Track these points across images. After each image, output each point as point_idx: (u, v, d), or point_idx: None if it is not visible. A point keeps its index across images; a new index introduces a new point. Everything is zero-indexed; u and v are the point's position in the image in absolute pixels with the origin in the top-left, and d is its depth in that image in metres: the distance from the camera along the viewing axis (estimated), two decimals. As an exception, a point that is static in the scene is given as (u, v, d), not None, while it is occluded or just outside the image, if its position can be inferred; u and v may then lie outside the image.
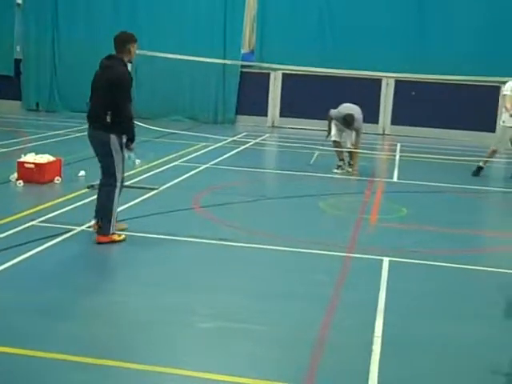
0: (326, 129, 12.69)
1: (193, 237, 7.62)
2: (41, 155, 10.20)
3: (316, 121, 18.43)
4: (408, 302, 5.97)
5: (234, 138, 16.71)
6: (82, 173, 10.47)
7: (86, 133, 7.38)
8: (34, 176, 9.86)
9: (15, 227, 7.53)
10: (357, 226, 8.58)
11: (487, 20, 18.69)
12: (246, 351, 4.84)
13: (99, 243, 7.11)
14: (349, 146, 12.47)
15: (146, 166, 11.34)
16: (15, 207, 8.45)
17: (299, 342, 4.99)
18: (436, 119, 19.33)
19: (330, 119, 12.46)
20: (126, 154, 7.44)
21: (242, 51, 20.44)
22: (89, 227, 7.60)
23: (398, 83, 19.53)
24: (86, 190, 9.47)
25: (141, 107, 18.83)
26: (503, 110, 12.61)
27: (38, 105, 21.17)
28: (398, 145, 17.12)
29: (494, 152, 12.81)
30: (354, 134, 12.34)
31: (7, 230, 7.39)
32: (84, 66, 19.62)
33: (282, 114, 20.36)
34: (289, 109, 20.06)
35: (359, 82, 18.89)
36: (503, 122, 12.45)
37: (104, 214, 7.15)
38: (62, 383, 4.26)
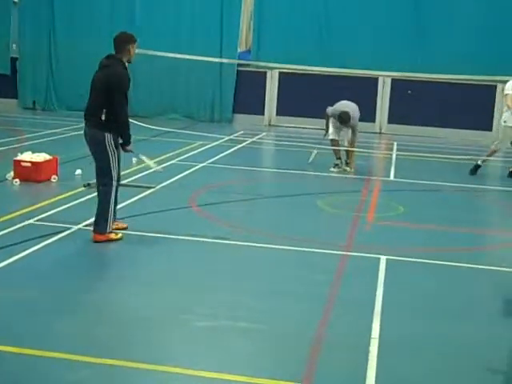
0: (324, 127, 12.70)
1: (190, 235, 7.61)
2: (37, 154, 10.18)
3: (313, 119, 18.45)
4: (405, 301, 5.96)
5: (231, 137, 16.70)
6: (78, 171, 10.45)
7: (82, 131, 7.37)
8: (31, 175, 9.84)
9: (11, 226, 7.51)
10: (354, 225, 8.57)
11: (484, 19, 18.71)
12: (243, 350, 4.83)
13: (96, 242, 7.10)
14: (346, 144, 12.48)
15: (143, 165, 11.31)
16: (11, 206, 8.43)
17: (297, 341, 4.99)
18: (433, 118, 19.35)
19: (327, 117, 12.47)
20: (139, 156, 7.41)
21: (239, 50, 20.43)
22: (86, 226, 7.58)
23: (395, 82, 19.54)
24: (83, 188, 9.46)
25: (137, 106, 18.84)
26: (504, 109, 12.54)
27: (34, 103, 21.14)
28: (395, 143, 17.14)
29: (494, 152, 12.82)
30: (350, 131, 12.35)
31: (3, 229, 7.37)
32: (81, 65, 19.68)
33: (278, 113, 20.35)
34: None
35: (356, 81, 18.89)
36: (504, 121, 12.41)
37: (101, 212, 7.14)
38: (60, 382, 4.25)
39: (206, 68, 19.62)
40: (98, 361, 4.48)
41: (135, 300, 5.67)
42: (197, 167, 11.95)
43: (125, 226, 7.64)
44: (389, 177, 12.27)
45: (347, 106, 12.30)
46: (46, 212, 8.22)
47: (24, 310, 5.29)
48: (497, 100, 19.00)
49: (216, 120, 20.21)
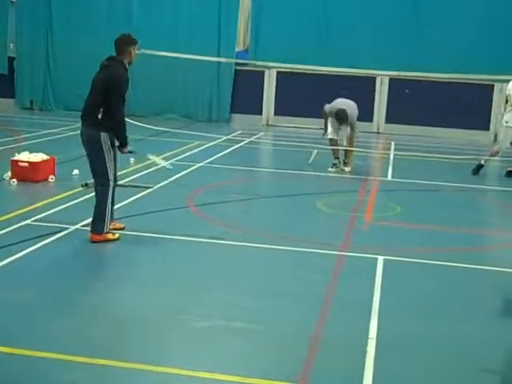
0: (323, 127, 12.69)
1: (187, 235, 7.61)
2: (35, 154, 10.17)
3: (311, 119, 18.45)
4: (403, 301, 5.97)
5: (229, 137, 16.69)
6: (75, 171, 10.45)
7: (79, 131, 7.36)
8: (28, 175, 9.84)
9: (8, 226, 7.50)
10: (351, 225, 8.57)
11: (482, 19, 18.72)
12: (240, 350, 4.83)
13: (93, 242, 7.10)
14: (345, 143, 12.45)
15: (141, 165, 11.31)
16: (9, 206, 8.42)
17: (293, 341, 4.99)
18: (430, 117, 19.35)
19: (325, 116, 12.46)
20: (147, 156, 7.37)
21: (237, 49, 20.43)
22: (83, 226, 7.58)
23: (393, 81, 19.54)
24: (80, 188, 9.44)
25: (135, 105, 18.81)
26: (507, 109, 12.49)
27: (32, 103, 21.13)
28: (393, 143, 17.14)
29: (497, 152, 12.82)
30: (348, 128, 12.34)
31: (0, 230, 7.36)
32: (78, 64, 19.69)
33: (276, 113, 20.35)
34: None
35: (353, 80, 18.89)
36: (506, 122, 12.41)
37: (98, 213, 7.14)
38: (56, 382, 4.25)
39: (204, 67, 19.63)
40: (94, 361, 4.47)
41: (131, 300, 5.67)
42: (194, 167, 11.94)
43: (122, 226, 7.64)
44: (386, 177, 12.27)
45: (344, 103, 12.30)
46: (44, 212, 8.22)
47: (20, 311, 5.28)
48: (494, 99, 19.02)
49: (214, 120, 20.21)
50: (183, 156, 13.13)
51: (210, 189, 10.31)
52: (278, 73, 20.07)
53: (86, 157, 7.26)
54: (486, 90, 19.00)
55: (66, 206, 8.64)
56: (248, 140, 16.49)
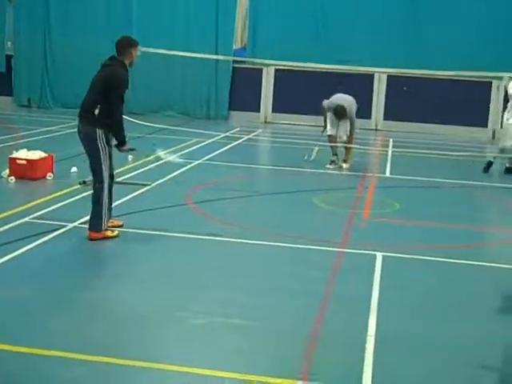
0: (322, 124, 12.68)
1: (185, 233, 7.60)
2: (33, 151, 10.15)
3: (309, 116, 18.44)
4: (401, 297, 5.96)
5: (227, 134, 16.67)
6: (74, 169, 10.43)
7: (77, 128, 7.35)
8: (26, 172, 9.82)
9: (6, 224, 7.49)
10: (349, 222, 8.57)
11: (480, 16, 18.72)
12: (239, 347, 4.83)
13: (91, 239, 7.09)
14: (344, 139, 12.42)
15: (139, 162, 11.30)
16: (6, 204, 8.41)
17: (292, 338, 4.99)
18: (428, 114, 19.34)
19: (324, 112, 12.45)
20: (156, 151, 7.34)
21: (234, 47, 20.40)
22: (81, 223, 7.57)
23: (391, 78, 19.53)
24: (78, 186, 9.43)
25: (133, 103, 18.77)
26: (508, 108, 12.45)
27: (29, 101, 21.09)
28: (391, 140, 17.14)
29: (503, 150, 12.79)
30: (347, 123, 12.32)
31: (-1, 227, 7.37)
32: (76, 62, 19.68)
33: (274, 110, 20.33)
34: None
35: (351, 78, 18.85)
36: (507, 119, 12.40)
37: (95, 210, 7.14)
38: (56, 380, 4.25)
39: (202, 65, 19.59)
40: (94, 358, 4.47)
41: (130, 297, 5.66)
42: (193, 164, 11.93)
43: (120, 223, 7.63)
44: (384, 173, 12.27)
45: (343, 98, 12.29)
46: (42, 210, 8.21)
47: (19, 309, 5.28)
48: (492, 96, 19.01)
49: (212, 117, 20.19)
50: (181, 153, 13.10)
51: (208, 186, 10.31)
52: (276, 70, 20.05)
53: (86, 154, 7.26)
54: (484, 87, 18.99)
55: (64, 203, 8.63)
56: (246, 137, 16.48)
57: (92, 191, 7.32)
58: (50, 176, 10.07)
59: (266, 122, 20.24)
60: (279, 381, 4.32)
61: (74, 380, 4.24)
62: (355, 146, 12.92)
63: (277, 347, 4.85)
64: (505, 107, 12.76)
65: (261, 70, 20.19)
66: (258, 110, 20.35)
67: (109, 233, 7.20)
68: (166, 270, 6.44)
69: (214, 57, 19.57)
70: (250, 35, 20.16)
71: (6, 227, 7.39)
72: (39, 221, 7.74)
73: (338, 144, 12.48)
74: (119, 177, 10.00)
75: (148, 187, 9.82)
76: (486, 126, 19.21)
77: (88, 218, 7.26)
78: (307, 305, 5.65)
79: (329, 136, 12.46)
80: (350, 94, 12.61)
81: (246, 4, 20.32)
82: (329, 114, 12.34)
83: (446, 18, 18.85)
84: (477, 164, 13.07)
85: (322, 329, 5.18)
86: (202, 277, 6.28)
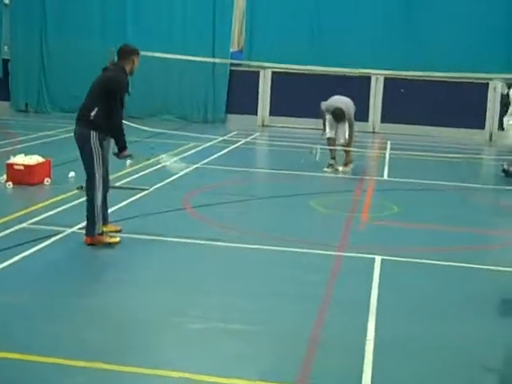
0: (322, 126, 12.68)
1: (183, 237, 7.59)
2: (30, 156, 10.14)
3: (306, 119, 18.45)
4: (400, 301, 5.96)
5: (225, 138, 16.68)
6: (71, 174, 10.41)
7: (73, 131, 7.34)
8: (24, 178, 9.80)
9: (5, 230, 7.47)
10: (348, 225, 8.57)
11: (476, 17, 18.74)
12: (238, 352, 4.82)
13: (88, 244, 7.07)
14: (342, 141, 12.42)
15: (137, 167, 11.29)
16: (4, 209, 8.39)
17: (291, 342, 4.98)
18: (426, 117, 19.36)
19: (323, 114, 12.44)
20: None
21: (231, 50, 20.41)
22: (79, 229, 7.55)
23: (388, 81, 19.55)
24: (76, 191, 9.41)
25: (131, 107, 18.72)
26: (510, 110, 12.44)
27: (26, 105, 21.08)
28: (388, 142, 17.15)
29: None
30: (346, 125, 12.32)
31: (-3, 233, 7.35)
32: (73, 66, 19.70)
33: (271, 113, 20.34)
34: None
35: (349, 80, 18.86)
36: (508, 121, 12.41)
37: (88, 214, 7.12)
38: (54, 387, 4.24)
39: (199, 68, 19.58)
40: (93, 365, 4.45)
41: (129, 303, 5.65)
42: (190, 168, 11.92)
43: (118, 228, 7.62)
44: (382, 176, 12.28)
45: (341, 101, 12.30)
46: (40, 215, 8.19)
47: (19, 315, 5.27)
48: (489, 98, 19.03)
49: (209, 121, 20.19)
50: (179, 157, 13.08)
51: (206, 190, 10.30)
52: (273, 73, 20.06)
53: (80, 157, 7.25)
54: (481, 89, 19.01)
55: (61, 208, 8.61)
56: (244, 141, 16.48)
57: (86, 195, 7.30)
58: (47, 181, 10.06)
59: (263, 125, 20.24)
60: (279, 386, 4.32)
61: (73, 387, 4.23)
62: (353, 148, 12.92)
63: (277, 351, 4.84)
64: (505, 111, 12.73)
65: (258, 73, 20.21)
66: (255, 113, 20.35)
67: (107, 239, 7.16)
68: (164, 275, 6.42)
69: (211, 60, 19.57)
70: (246, 38, 20.18)
71: (5, 233, 7.37)
72: (37, 226, 7.73)
73: (337, 147, 12.47)
74: (117, 182, 10.01)
75: (146, 192, 9.81)
76: (483, 127, 19.23)
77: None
78: (306, 309, 5.64)
79: (328, 139, 12.46)
80: (347, 96, 12.62)
81: (243, 7, 20.34)
82: (327, 117, 12.34)
83: (442, 21, 18.86)
84: (478, 167, 13.05)
85: (321, 332, 5.18)
86: (201, 281, 6.27)
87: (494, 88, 18.58)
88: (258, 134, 18.41)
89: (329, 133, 12.40)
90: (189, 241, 7.49)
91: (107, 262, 7.00)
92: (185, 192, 9.94)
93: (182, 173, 10.98)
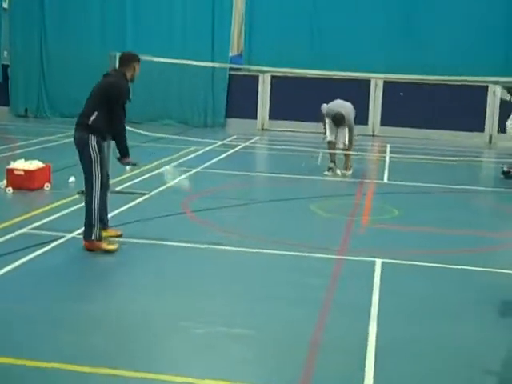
0: (322, 130, 12.69)
1: (183, 241, 7.59)
2: (30, 162, 10.14)
3: (305, 123, 18.47)
4: (401, 304, 5.96)
5: (224, 142, 16.69)
6: (71, 179, 10.41)
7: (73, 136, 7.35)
8: (24, 183, 9.81)
9: (5, 235, 7.47)
10: (348, 228, 8.57)
11: (474, 21, 18.78)
12: (240, 356, 4.81)
13: (88, 250, 7.06)
14: (341, 146, 12.43)
15: (137, 171, 11.29)
16: (5, 215, 8.39)
17: (293, 346, 4.98)
18: (425, 120, 19.38)
19: (323, 117, 12.45)
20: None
21: (231, 54, 20.44)
22: (79, 234, 7.55)
23: (387, 84, 19.57)
24: (76, 196, 9.41)
25: (131, 112, 18.69)
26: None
27: (26, 111, 21.10)
28: (388, 146, 17.15)
29: None
30: (346, 130, 12.33)
31: (-3, 238, 7.35)
32: (73, 71, 19.73)
33: (271, 117, 20.36)
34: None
35: (348, 84, 18.89)
36: (511, 125, 12.44)
37: (86, 219, 7.11)
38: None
39: (198, 73, 19.61)
40: (97, 370, 4.43)
41: (131, 308, 5.64)
42: (190, 173, 11.92)
43: (119, 233, 7.62)
44: (382, 179, 12.28)
45: (342, 105, 12.31)
46: (40, 220, 8.19)
47: (20, 320, 5.26)
48: (488, 101, 19.05)
49: (209, 125, 20.21)
50: (179, 162, 13.10)
51: (206, 194, 10.30)
52: (272, 77, 20.09)
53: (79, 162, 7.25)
54: (481, 92, 19.03)
55: (62, 214, 8.62)
56: (243, 145, 16.49)
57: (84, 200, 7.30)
58: (47, 186, 10.06)
59: (262, 129, 20.27)
60: (281, 389, 4.32)
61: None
62: (352, 152, 12.93)
63: (279, 355, 4.84)
64: (508, 115, 12.74)
65: (257, 77, 20.24)
66: (254, 117, 20.38)
67: (105, 245, 7.13)
68: (165, 280, 6.42)
69: (211, 64, 19.59)
70: (245, 42, 20.22)
71: (5, 238, 7.37)
72: (38, 231, 7.72)
73: (337, 151, 12.47)
74: (117, 186, 10.01)
75: (146, 196, 9.82)
76: (482, 130, 19.24)
77: (86, 228, 7.25)
78: (307, 312, 5.64)
79: (328, 142, 12.47)
80: (346, 100, 12.63)
81: (242, 11, 20.38)
82: (327, 120, 12.35)
83: (442, 24, 18.92)
84: (478, 169, 13.05)
85: (322, 336, 5.18)
86: (203, 285, 6.27)
87: (494, 92, 18.59)
88: (257, 137, 18.42)
89: (329, 136, 12.41)
90: (189, 245, 7.49)
91: (108, 267, 6.99)
92: (185, 196, 9.93)
93: (181, 177, 10.98)
